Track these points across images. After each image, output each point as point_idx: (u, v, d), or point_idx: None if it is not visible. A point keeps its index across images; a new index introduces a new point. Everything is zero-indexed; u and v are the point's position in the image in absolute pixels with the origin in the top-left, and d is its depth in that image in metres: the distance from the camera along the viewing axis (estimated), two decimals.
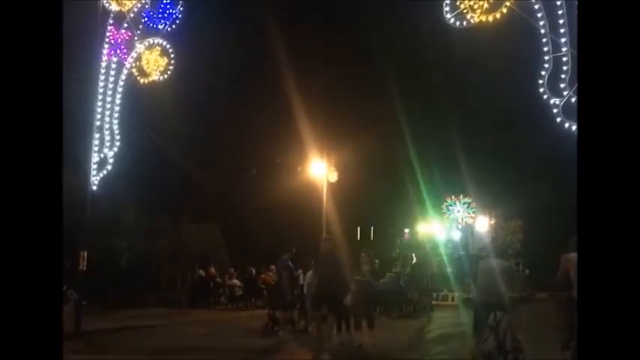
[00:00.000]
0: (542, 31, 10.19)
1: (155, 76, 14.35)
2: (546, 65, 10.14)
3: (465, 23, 11.00)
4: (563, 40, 9.93)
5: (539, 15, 10.24)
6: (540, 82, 10.12)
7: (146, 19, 14.47)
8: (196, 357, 10.84)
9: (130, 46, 14.55)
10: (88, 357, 9.54)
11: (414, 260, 24.53)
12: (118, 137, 14.37)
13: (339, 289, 10.32)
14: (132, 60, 14.53)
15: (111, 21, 14.60)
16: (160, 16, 14.33)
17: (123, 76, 14.60)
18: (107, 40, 14.51)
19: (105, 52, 14.49)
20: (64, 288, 12.69)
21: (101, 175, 14.17)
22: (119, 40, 14.56)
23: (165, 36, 14.37)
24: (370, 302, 11.73)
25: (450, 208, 36.97)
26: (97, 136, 14.25)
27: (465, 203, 36.75)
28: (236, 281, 21.45)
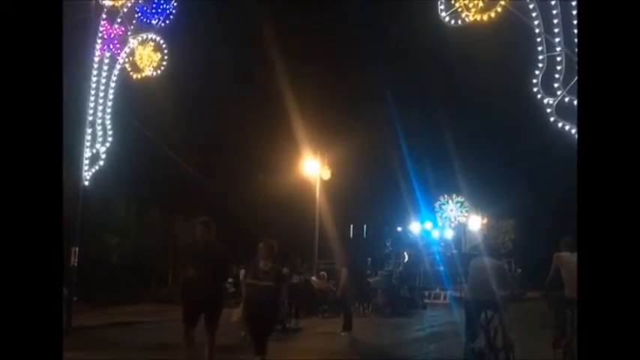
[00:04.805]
0: (537, 30, 10.20)
1: (148, 72, 14.26)
2: (540, 65, 10.15)
3: (459, 22, 11.00)
4: (557, 39, 9.95)
5: (533, 14, 10.25)
6: (534, 81, 10.13)
7: (139, 14, 14.38)
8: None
9: (123, 41, 14.46)
10: (79, 353, 9.47)
11: (407, 258, 24.64)
12: (110, 133, 14.28)
13: (214, 293, 7.67)
14: (125, 55, 14.45)
15: (104, 16, 14.50)
16: (153, 11, 14.24)
17: (116, 72, 14.52)
18: (100, 35, 14.41)
19: (98, 47, 14.39)
20: None
21: (93, 170, 14.08)
22: (112, 35, 14.47)
23: (159, 31, 14.28)
24: (270, 317, 7.96)
25: (443, 206, 37.03)
26: (89, 131, 14.16)
27: (457, 202, 36.83)
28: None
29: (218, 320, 7.71)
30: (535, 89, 10.13)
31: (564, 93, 9.79)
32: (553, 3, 9.99)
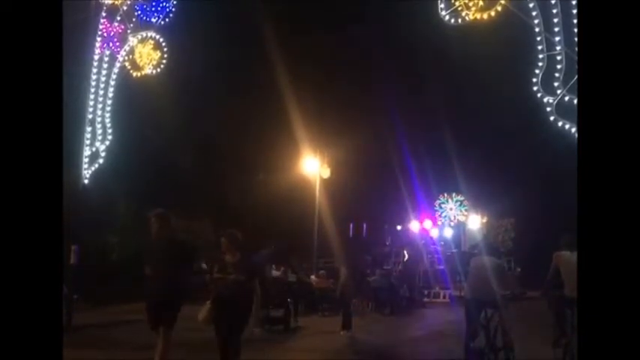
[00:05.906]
0: (537, 29, 10.21)
1: (148, 70, 14.28)
2: (540, 64, 10.17)
3: (459, 21, 11.01)
4: (557, 38, 9.96)
5: (533, 13, 10.26)
6: (534, 80, 10.15)
7: (139, 12, 14.39)
8: (186, 352, 10.81)
9: (122, 40, 14.47)
10: (79, 352, 9.47)
11: (406, 257, 24.62)
12: (110, 131, 14.29)
13: (171, 292, 7.11)
14: (125, 53, 14.46)
15: (104, 14, 14.52)
16: (153, 9, 14.27)
17: (115, 70, 14.53)
18: (100, 33, 14.42)
19: (97, 45, 14.40)
20: None
21: (93, 168, 14.09)
22: (112, 33, 14.48)
23: (159, 29, 14.30)
24: (242, 314, 7.12)
25: (443, 205, 36.91)
26: (88, 129, 14.18)
27: (457, 201, 36.71)
28: None
29: (173, 321, 7.11)
30: (535, 88, 10.15)
31: (564, 92, 9.79)
32: (553, 2, 10.00)
